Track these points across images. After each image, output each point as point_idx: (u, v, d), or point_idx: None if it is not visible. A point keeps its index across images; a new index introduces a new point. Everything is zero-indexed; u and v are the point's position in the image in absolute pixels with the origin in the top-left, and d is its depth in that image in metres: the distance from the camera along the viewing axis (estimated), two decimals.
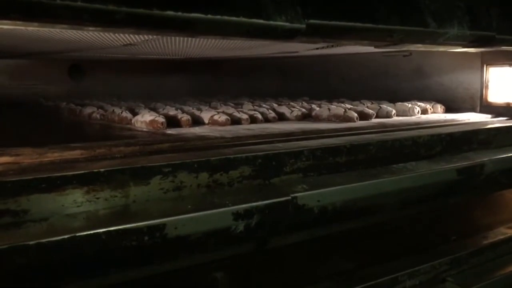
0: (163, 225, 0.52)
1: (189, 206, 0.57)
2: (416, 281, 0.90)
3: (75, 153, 0.65)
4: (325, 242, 0.84)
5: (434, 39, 0.78)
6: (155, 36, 0.94)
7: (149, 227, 0.51)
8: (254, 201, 0.60)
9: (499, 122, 1.15)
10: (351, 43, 0.82)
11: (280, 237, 0.68)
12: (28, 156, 0.62)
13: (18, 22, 0.47)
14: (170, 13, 0.50)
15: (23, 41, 1.08)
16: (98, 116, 1.20)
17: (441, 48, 0.94)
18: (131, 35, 0.94)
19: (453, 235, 1.05)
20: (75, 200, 0.52)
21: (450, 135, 0.94)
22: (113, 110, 1.16)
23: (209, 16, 0.53)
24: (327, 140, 0.84)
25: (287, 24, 0.59)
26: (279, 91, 1.86)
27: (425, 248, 0.97)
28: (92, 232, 0.48)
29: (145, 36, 0.94)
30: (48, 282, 0.48)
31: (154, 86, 2.07)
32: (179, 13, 0.51)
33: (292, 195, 0.63)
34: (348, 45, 1.08)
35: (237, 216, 0.58)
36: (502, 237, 1.10)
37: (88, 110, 1.25)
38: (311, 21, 0.61)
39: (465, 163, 0.87)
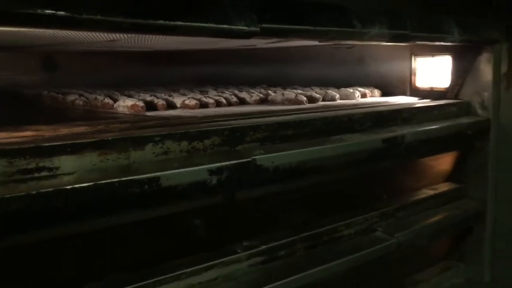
0: (158, 177, 0.71)
1: (175, 165, 0.75)
2: (352, 230, 1.11)
3: (82, 129, 0.83)
4: (282, 201, 1.05)
5: (360, 37, 1.00)
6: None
7: (148, 178, 0.70)
8: (224, 161, 0.79)
9: (422, 103, 1.38)
10: (297, 40, 1.02)
11: (244, 191, 0.87)
12: (46, 131, 0.79)
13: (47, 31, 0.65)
14: (160, 22, 0.69)
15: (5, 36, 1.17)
16: (81, 102, 1.35)
17: (371, 42, 1.16)
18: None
19: (384, 194, 1.29)
20: (91, 160, 0.70)
21: (379, 113, 1.17)
22: (95, 97, 1.32)
23: (188, 23, 0.72)
24: (280, 117, 1.05)
25: (245, 28, 0.78)
26: (240, 79, 2.05)
27: (361, 205, 1.20)
28: (108, 181, 0.67)
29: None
30: (77, 218, 0.66)
31: (123, 77, 2.21)
32: (167, 22, 0.70)
33: (252, 157, 0.82)
34: (296, 41, 1.29)
35: (211, 172, 0.77)
36: (424, 195, 1.33)
37: (70, 97, 1.39)
38: (264, 25, 0.81)
39: (389, 134, 1.10)
